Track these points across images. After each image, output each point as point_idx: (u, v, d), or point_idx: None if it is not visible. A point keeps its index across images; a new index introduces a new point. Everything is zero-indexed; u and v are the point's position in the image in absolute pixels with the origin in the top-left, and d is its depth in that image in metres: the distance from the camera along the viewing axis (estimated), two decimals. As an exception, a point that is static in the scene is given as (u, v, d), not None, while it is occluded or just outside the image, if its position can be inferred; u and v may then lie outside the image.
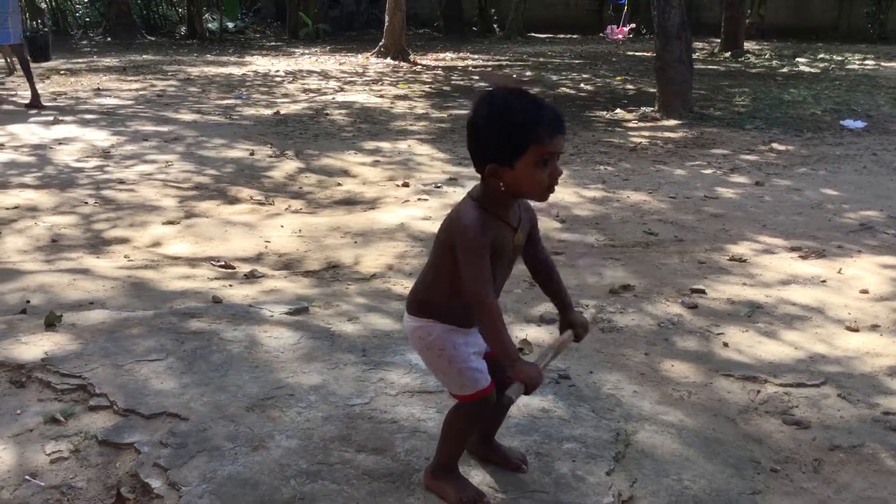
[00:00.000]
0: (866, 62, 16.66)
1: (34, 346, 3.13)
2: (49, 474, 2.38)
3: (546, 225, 5.24)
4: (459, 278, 1.97)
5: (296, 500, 2.20)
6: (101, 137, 8.18)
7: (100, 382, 2.83)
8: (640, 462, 2.48)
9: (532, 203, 2.14)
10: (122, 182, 6.40)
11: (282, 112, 10.00)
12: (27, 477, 2.36)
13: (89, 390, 2.80)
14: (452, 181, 6.55)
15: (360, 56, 17.49)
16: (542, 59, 17.41)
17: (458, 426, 2.20)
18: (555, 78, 14.00)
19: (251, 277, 4.30)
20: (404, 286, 4.15)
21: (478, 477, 2.32)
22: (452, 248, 1.98)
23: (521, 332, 3.52)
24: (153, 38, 22.27)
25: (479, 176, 2.01)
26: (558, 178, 1.97)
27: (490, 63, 16.95)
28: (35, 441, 2.54)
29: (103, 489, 2.32)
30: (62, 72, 14.10)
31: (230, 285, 4.14)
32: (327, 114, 10.02)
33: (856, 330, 3.68)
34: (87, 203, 5.77)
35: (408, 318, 2.15)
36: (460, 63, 16.84)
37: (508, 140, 1.90)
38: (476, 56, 18.50)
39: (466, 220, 1.96)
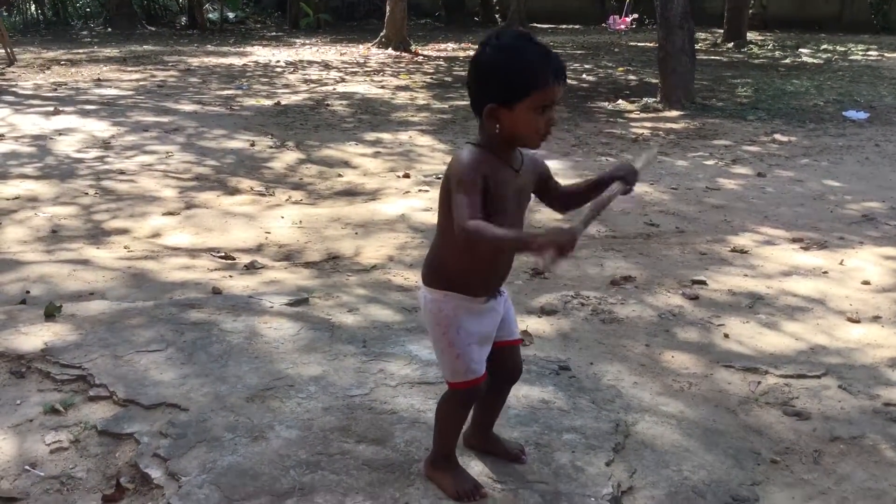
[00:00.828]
0: (869, 53, 16.60)
1: (34, 337, 3.13)
2: (49, 464, 2.38)
3: (547, 216, 5.22)
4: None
5: (295, 490, 2.20)
6: (101, 128, 8.17)
7: (99, 373, 2.83)
8: (639, 453, 2.48)
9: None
10: (122, 173, 6.39)
11: (282, 103, 9.97)
12: (27, 467, 2.36)
13: (89, 381, 2.80)
14: (453, 172, 6.53)
15: (361, 46, 17.43)
16: (543, 50, 17.33)
17: (447, 413, 2.20)
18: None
19: (251, 268, 4.30)
20: (405, 277, 4.14)
21: (477, 468, 2.32)
22: (450, 190, 1.95)
23: (522, 324, 3.52)
24: (153, 29, 22.22)
25: None
26: (552, 128, 1.96)
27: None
28: (35, 431, 2.54)
29: (103, 479, 2.32)
30: (62, 62, 14.07)
31: (230, 276, 4.14)
32: (328, 104, 10.00)
33: (857, 321, 3.67)
34: (87, 194, 5.76)
35: (423, 289, 2.12)
36: (462, 54, 16.79)
37: (513, 81, 1.89)
38: (478, 47, 18.41)
39: (461, 157, 1.95)
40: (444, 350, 2.09)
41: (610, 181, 2.06)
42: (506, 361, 2.23)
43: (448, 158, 7.01)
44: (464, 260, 2.03)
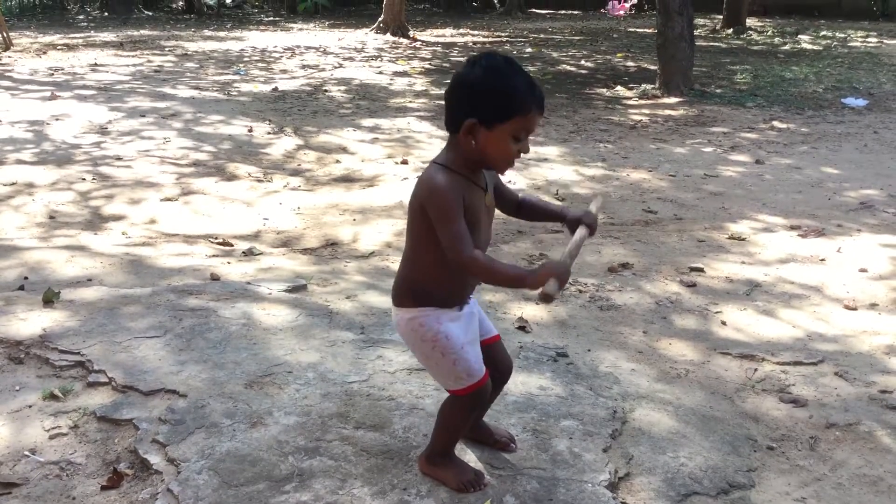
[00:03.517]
0: (869, 39, 16.55)
1: (32, 323, 3.13)
2: (48, 450, 2.39)
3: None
4: (438, 244, 1.93)
5: (294, 476, 2.21)
6: (98, 113, 8.14)
7: (98, 359, 2.83)
8: (636, 439, 2.49)
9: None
10: (119, 158, 6.37)
11: (280, 88, 9.94)
12: (27, 452, 2.37)
13: (88, 367, 2.80)
14: (451, 158, 6.52)
15: (358, 32, 17.35)
16: (542, 36, 17.29)
17: (453, 419, 2.16)
18: (555, 55, 13.90)
19: (249, 255, 4.30)
20: (403, 264, 4.14)
21: (474, 454, 2.32)
22: (425, 213, 1.94)
23: (518, 310, 3.53)
24: (150, 13, 22.12)
25: None
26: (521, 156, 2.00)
27: (490, 39, 16.82)
28: (34, 417, 2.54)
29: (102, 465, 2.33)
30: (59, 47, 14.00)
31: (228, 262, 4.13)
32: (326, 90, 9.96)
33: (854, 308, 3.68)
34: (84, 179, 5.75)
35: (396, 312, 2.10)
36: (460, 39, 16.72)
37: (499, 102, 1.89)
38: (476, 32, 18.37)
39: (436, 182, 1.93)
40: (439, 362, 2.06)
41: (576, 224, 2.08)
42: (494, 359, 2.21)
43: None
44: (437, 279, 2.03)
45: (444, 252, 1.93)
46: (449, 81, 2.00)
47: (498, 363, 2.23)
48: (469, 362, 2.06)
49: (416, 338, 2.08)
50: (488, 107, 1.90)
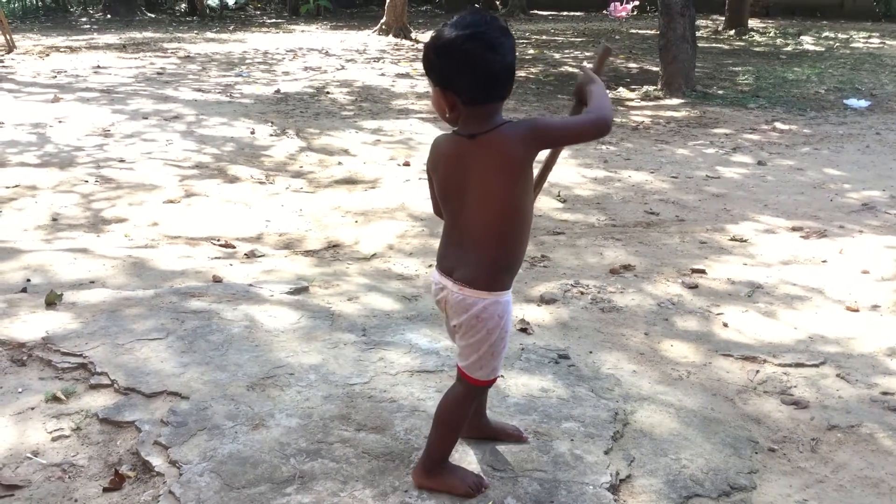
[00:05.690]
0: (871, 40, 16.53)
1: (35, 325, 3.14)
2: (51, 452, 2.39)
3: (547, 205, 5.23)
4: (525, 202, 2.00)
5: (295, 478, 2.22)
6: (100, 115, 8.15)
7: (100, 361, 2.84)
8: (638, 441, 2.49)
9: None
10: (122, 161, 6.38)
11: (282, 90, 9.95)
12: (29, 455, 2.38)
13: (90, 369, 2.81)
14: (453, 160, 6.52)
15: (361, 33, 17.37)
16: (544, 37, 17.29)
17: (458, 412, 2.15)
18: (557, 56, 13.90)
19: (251, 257, 4.30)
20: (404, 266, 4.15)
21: (476, 457, 2.33)
22: (525, 162, 1.96)
23: (521, 312, 3.53)
24: (153, 16, 22.15)
25: None
26: None
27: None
28: (36, 419, 2.55)
29: (104, 467, 2.34)
30: (62, 49, 14.03)
31: (230, 264, 4.14)
32: (328, 92, 9.97)
33: (856, 310, 3.68)
34: (86, 182, 5.76)
35: (483, 298, 1.99)
36: (462, 41, 16.68)
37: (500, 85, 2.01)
38: (478, 34, 18.31)
39: (528, 119, 2.02)
40: (496, 352, 2.05)
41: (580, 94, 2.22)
42: None
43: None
44: (523, 245, 2.08)
45: (526, 214, 2.01)
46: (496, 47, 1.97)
47: None
48: (502, 359, 2.12)
49: (495, 324, 2.02)
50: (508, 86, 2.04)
